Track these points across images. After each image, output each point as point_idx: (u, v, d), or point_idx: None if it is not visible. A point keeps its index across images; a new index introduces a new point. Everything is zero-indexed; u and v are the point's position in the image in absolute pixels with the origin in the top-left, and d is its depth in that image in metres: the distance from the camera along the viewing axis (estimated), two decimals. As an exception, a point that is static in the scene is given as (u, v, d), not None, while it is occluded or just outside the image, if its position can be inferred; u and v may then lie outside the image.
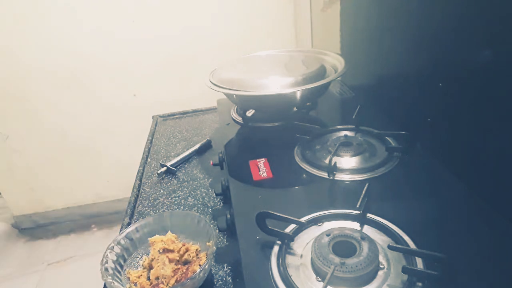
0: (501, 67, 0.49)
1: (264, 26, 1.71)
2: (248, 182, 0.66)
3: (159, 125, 1.13)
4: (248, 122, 0.88)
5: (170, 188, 0.81)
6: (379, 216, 0.53)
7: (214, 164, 0.79)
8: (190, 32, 1.67)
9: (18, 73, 1.64)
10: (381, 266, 0.46)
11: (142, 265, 0.58)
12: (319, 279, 0.45)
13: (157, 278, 0.54)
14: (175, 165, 0.89)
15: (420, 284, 0.42)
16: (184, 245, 0.58)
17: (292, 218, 0.52)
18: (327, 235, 0.48)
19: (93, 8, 1.57)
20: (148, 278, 0.55)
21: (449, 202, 0.55)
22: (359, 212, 0.53)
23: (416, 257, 0.45)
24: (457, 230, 0.50)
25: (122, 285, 0.52)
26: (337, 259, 0.44)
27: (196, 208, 0.73)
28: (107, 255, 0.55)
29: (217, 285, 0.56)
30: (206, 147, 0.95)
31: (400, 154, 0.68)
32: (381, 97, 0.88)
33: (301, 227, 0.53)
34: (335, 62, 0.88)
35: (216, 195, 0.71)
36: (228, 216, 0.61)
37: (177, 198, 0.77)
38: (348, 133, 0.77)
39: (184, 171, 0.87)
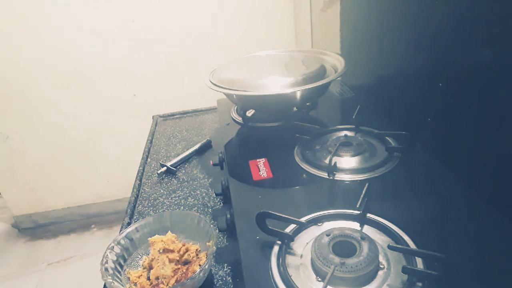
0: (501, 67, 0.49)
1: (264, 26, 1.71)
2: (248, 182, 0.66)
3: (159, 125, 1.13)
4: (248, 122, 0.88)
5: (170, 188, 0.81)
6: (379, 216, 0.53)
7: (214, 164, 0.79)
8: (190, 32, 1.67)
9: (18, 73, 1.65)
10: (381, 266, 0.46)
11: (142, 265, 0.58)
12: (319, 279, 0.45)
13: (157, 278, 0.54)
14: (175, 165, 0.89)
15: (420, 284, 0.42)
16: (184, 245, 0.58)
17: (292, 218, 0.52)
18: (327, 235, 0.48)
19: (93, 8, 1.57)
20: (148, 278, 0.55)
21: (449, 202, 0.55)
22: (359, 212, 0.53)
23: (416, 257, 0.45)
24: (457, 230, 0.50)
25: (122, 285, 0.52)
26: (337, 259, 0.44)
27: (196, 208, 0.73)
28: (107, 255, 0.55)
29: (217, 285, 0.56)
30: (206, 147, 0.95)
31: (400, 154, 0.68)
32: (381, 97, 0.88)
33: (301, 227, 0.53)
34: (335, 62, 0.88)
35: (216, 195, 0.71)
36: (228, 216, 0.61)
37: (177, 198, 0.77)
38: (348, 133, 0.77)
39: (184, 171, 0.87)
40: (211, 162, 0.83)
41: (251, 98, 0.81)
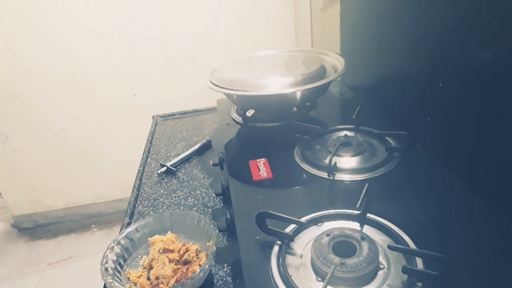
0: (501, 67, 0.49)
1: (264, 26, 1.71)
2: (248, 182, 0.66)
3: (159, 125, 1.13)
4: (248, 122, 0.88)
5: (170, 188, 0.81)
6: (379, 216, 0.53)
7: (214, 164, 0.79)
8: (190, 32, 1.67)
9: (18, 73, 1.64)
10: (381, 266, 0.46)
11: (142, 265, 0.58)
12: (319, 279, 0.45)
13: (157, 278, 0.54)
14: (175, 165, 0.89)
15: (420, 284, 0.42)
16: (184, 245, 0.58)
17: (292, 218, 0.52)
18: (327, 235, 0.48)
19: (93, 8, 1.56)
20: (148, 278, 0.55)
21: (449, 202, 0.55)
22: (359, 212, 0.53)
23: (416, 257, 0.45)
24: (457, 230, 0.50)
25: (122, 285, 0.52)
26: (337, 259, 0.44)
27: (196, 208, 0.73)
28: (107, 255, 0.55)
29: (217, 285, 0.56)
30: (206, 147, 0.95)
31: (400, 154, 0.68)
32: (381, 97, 0.88)
33: (301, 227, 0.53)
34: (335, 62, 0.88)
35: (216, 195, 0.71)
36: (228, 216, 0.61)
37: (177, 198, 0.77)
38: (348, 133, 0.77)
39: (184, 171, 0.87)
40: (211, 162, 0.83)
41: (251, 98, 0.81)
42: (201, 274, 0.51)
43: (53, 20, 1.56)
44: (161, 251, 0.57)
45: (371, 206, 0.54)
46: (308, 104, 0.90)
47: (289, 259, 0.49)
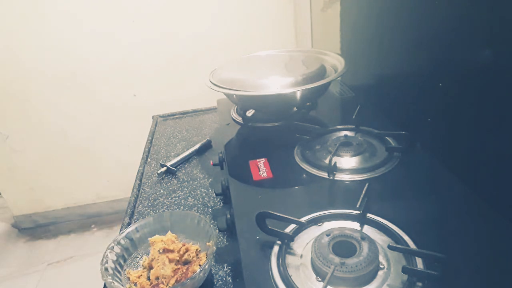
0: (501, 67, 0.49)
1: (264, 26, 1.71)
2: (248, 182, 0.66)
3: (159, 125, 1.13)
4: (248, 122, 0.88)
5: (170, 188, 0.81)
6: (379, 216, 0.53)
7: (214, 164, 0.79)
8: (190, 32, 1.67)
9: (18, 73, 1.64)
10: (381, 266, 0.46)
11: (142, 265, 0.58)
12: (319, 279, 0.45)
13: (157, 278, 0.54)
14: (175, 165, 0.89)
15: (420, 284, 0.42)
16: (184, 245, 0.58)
17: (292, 218, 0.52)
18: (327, 235, 0.48)
19: (93, 8, 1.56)
20: (148, 278, 0.55)
21: (449, 202, 0.55)
22: (359, 212, 0.53)
23: (416, 257, 0.45)
24: (457, 230, 0.50)
25: (122, 285, 0.52)
26: (337, 259, 0.44)
27: (196, 208, 0.73)
28: (107, 255, 0.55)
29: (217, 285, 0.56)
30: (206, 147, 0.95)
31: (400, 154, 0.68)
32: (381, 97, 0.88)
33: (301, 227, 0.53)
34: (335, 62, 0.88)
35: (216, 195, 0.71)
36: (228, 216, 0.61)
37: (177, 198, 0.77)
38: (348, 133, 0.77)
39: (184, 171, 0.87)
40: (211, 162, 0.83)
41: (251, 98, 0.81)
42: (201, 274, 0.51)
43: (53, 20, 1.56)
44: (161, 251, 0.57)
45: (371, 206, 0.54)
46: (308, 104, 0.90)
47: (289, 259, 0.49)
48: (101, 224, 2.03)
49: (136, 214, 0.74)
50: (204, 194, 0.77)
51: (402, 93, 0.77)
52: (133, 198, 0.79)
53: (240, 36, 1.71)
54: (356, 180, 0.63)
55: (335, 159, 0.66)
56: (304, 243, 0.51)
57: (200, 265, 0.54)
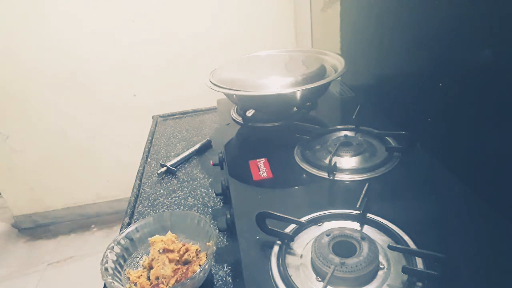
0: (501, 67, 0.49)
1: (264, 26, 1.71)
2: (248, 182, 0.66)
3: (159, 125, 1.13)
4: (248, 122, 0.88)
5: (170, 188, 0.81)
6: (379, 216, 0.53)
7: (214, 164, 0.79)
8: (190, 32, 1.67)
9: (18, 73, 1.64)
10: (381, 266, 0.46)
11: (142, 265, 0.58)
12: (319, 279, 0.45)
13: (157, 278, 0.54)
14: (175, 165, 0.89)
15: (420, 284, 0.42)
16: (184, 245, 0.58)
17: (292, 218, 0.52)
18: (327, 235, 0.48)
19: (93, 8, 1.56)
20: (148, 278, 0.55)
21: (449, 202, 0.55)
22: (359, 212, 0.53)
23: (416, 257, 0.45)
24: (457, 230, 0.50)
25: (122, 285, 0.52)
26: (337, 259, 0.44)
27: (196, 208, 0.73)
28: (107, 255, 0.55)
29: (217, 285, 0.56)
30: (206, 147, 0.95)
31: (400, 154, 0.68)
32: (381, 97, 0.88)
33: (301, 227, 0.53)
34: (335, 62, 0.88)
35: (216, 195, 0.71)
36: (228, 216, 0.61)
37: (177, 198, 0.77)
38: (348, 133, 0.77)
39: (184, 171, 0.87)
40: (211, 162, 0.83)
41: (251, 98, 0.81)
42: (201, 274, 0.51)
43: (53, 20, 1.56)
44: (161, 251, 0.57)
45: (371, 206, 0.54)
46: (308, 104, 0.90)
47: (289, 259, 0.49)
48: (101, 224, 2.03)
49: (136, 214, 0.74)
50: (204, 194, 0.77)
51: (402, 93, 0.77)
52: (133, 198, 0.79)
53: (240, 36, 1.70)
54: (356, 180, 0.63)
55: (335, 159, 0.66)
56: (304, 243, 0.51)
57: (200, 265, 0.54)
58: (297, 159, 0.71)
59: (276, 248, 0.49)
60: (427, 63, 0.67)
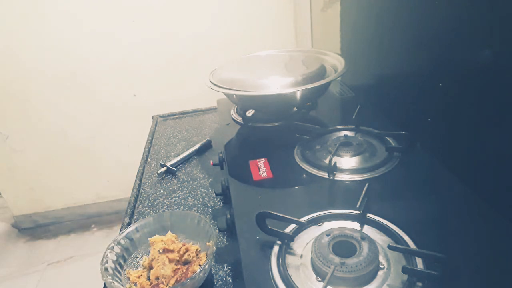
0: (501, 67, 0.49)
1: (264, 26, 1.71)
2: (248, 182, 0.66)
3: (159, 125, 1.13)
4: (248, 122, 0.88)
5: (170, 188, 0.81)
6: (379, 216, 0.53)
7: (214, 164, 0.79)
8: (190, 32, 1.67)
9: (18, 73, 1.64)
10: (381, 266, 0.46)
11: (142, 265, 0.58)
12: (319, 279, 0.45)
13: (157, 278, 0.54)
14: (175, 165, 0.89)
15: (420, 284, 0.42)
16: (184, 245, 0.58)
17: (292, 218, 0.52)
18: (327, 235, 0.48)
19: (93, 8, 1.56)
20: (148, 278, 0.55)
21: (449, 202, 0.55)
22: (359, 212, 0.53)
23: (416, 257, 0.45)
24: (457, 230, 0.50)
25: (122, 285, 0.52)
26: (337, 259, 0.44)
27: (196, 208, 0.73)
28: (107, 255, 0.55)
29: (217, 285, 0.56)
30: (206, 147, 0.95)
31: (400, 154, 0.68)
32: (381, 97, 0.88)
33: (301, 227, 0.53)
34: (335, 62, 0.88)
35: (216, 195, 0.71)
36: (228, 216, 0.61)
37: (177, 198, 0.77)
38: (348, 133, 0.77)
39: (184, 171, 0.87)
40: (211, 162, 0.83)
41: (251, 98, 0.81)
42: (201, 274, 0.51)
43: (53, 20, 1.56)
44: (161, 251, 0.57)
45: (371, 206, 0.54)
46: (308, 104, 0.90)
47: (289, 259, 0.49)
48: (101, 224, 2.03)
49: (136, 214, 0.74)
50: (204, 194, 0.77)
51: (402, 93, 0.77)
52: (133, 198, 0.79)
53: (240, 36, 1.70)
54: (356, 180, 0.63)
55: (335, 159, 0.66)
56: (304, 243, 0.51)
57: (200, 265, 0.54)
58: (297, 159, 0.71)
59: (276, 248, 0.49)
60: (427, 63, 0.67)
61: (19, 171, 1.87)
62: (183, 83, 1.76)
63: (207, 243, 0.56)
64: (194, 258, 0.56)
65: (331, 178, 0.64)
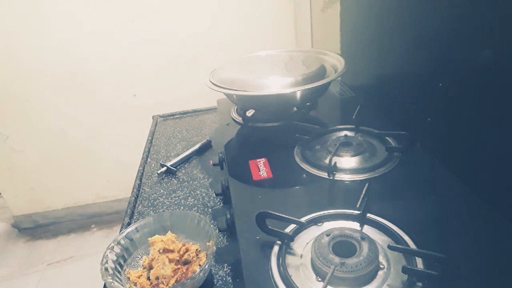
0: (501, 67, 0.49)
1: (264, 26, 1.71)
2: (248, 182, 0.66)
3: (159, 125, 1.13)
4: (248, 122, 0.88)
5: (170, 188, 0.81)
6: (379, 216, 0.53)
7: (214, 164, 0.79)
8: (190, 32, 1.67)
9: (18, 73, 1.64)
10: (381, 266, 0.46)
11: (142, 265, 0.58)
12: (319, 279, 0.45)
13: (157, 278, 0.54)
14: (175, 165, 0.89)
15: (420, 284, 0.42)
16: (184, 245, 0.58)
17: (292, 218, 0.52)
18: (327, 235, 0.48)
19: (93, 8, 1.56)
20: (148, 278, 0.55)
21: (449, 202, 0.55)
22: (359, 212, 0.53)
23: (416, 257, 0.45)
24: (457, 230, 0.50)
25: (122, 285, 0.52)
26: (337, 259, 0.44)
27: (196, 208, 0.73)
28: (107, 255, 0.55)
29: (217, 285, 0.56)
30: (206, 147, 0.95)
31: (400, 154, 0.68)
32: (381, 97, 0.88)
33: (301, 227, 0.53)
34: (335, 62, 0.88)
35: (216, 195, 0.71)
36: (228, 216, 0.61)
37: (177, 198, 0.77)
38: (348, 133, 0.77)
39: (184, 171, 0.87)
40: (211, 162, 0.83)
41: (251, 98, 0.81)
42: (201, 274, 0.51)
43: (53, 20, 1.56)
44: (161, 251, 0.57)
45: (371, 206, 0.54)
46: (308, 104, 0.90)
47: (289, 259, 0.48)
48: (101, 224, 2.03)
49: (136, 214, 0.74)
50: (204, 194, 0.77)
51: (402, 93, 0.77)
52: (133, 198, 0.79)
53: (240, 36, 1.70)
54: (356, 180, 0.63)
55: (335, 159, 0.66)
56: (304, 243, 0.51)
57: (200, 265, 0.54)
58: (297, 159, 0.71)
59: (276, 248, 0.49)
60: (427, 63, 0.67)
61: (19, 171, 1.87)
62: (183, 83, 1.76)
63: (207, 243, 0.56)
64: (194, 258, 0.56)
65: (331, 178, 0.64)
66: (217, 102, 1.06)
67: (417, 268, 0.43)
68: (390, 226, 0.51)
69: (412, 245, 0.47)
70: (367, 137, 0.75)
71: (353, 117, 0.80)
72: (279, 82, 0.78)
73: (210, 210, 0.73)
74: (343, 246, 0.47)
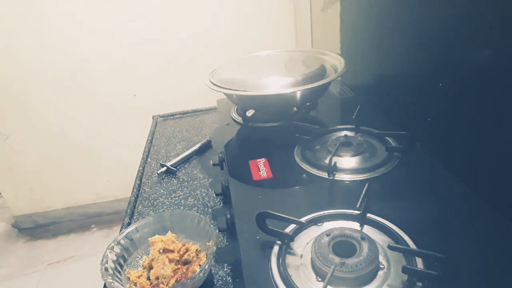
0: (501, 67, 0.49)
1: (264, 26, 1.71)
2: (248, 182, 0.66)
3: (159, 125, 1.13)
4: (248, 122, 0.88)
5: (170, 188, 0.81)
6: (379, 216, 0.53)
7: (214, 164, 0.79)
8: (190, 32, 1.67)
9: (18, 73, 1.64)
10: (381, 266, 0.46)
11: (142, 265, 0.58)
12: (319, 279, 0.45)
13: (157, 278, 0.54)
14: (175, 165, 0.89)
15: (420, 284, 0.42)
16: (184, 245, 0.58)
17: (292, 218, 0.52)
18: (327, 235, 0.48)
19: (93, 8, 1.57)
20: (148, 278, 0.55)
21: (449, 202, 0.55)
22: (359, 212, 0.53)
23: (416, 257, 0.45)
24: (457, 230, 0.50)
25: (122, 285, 0.52)
26: (337, 259, 0.44)
27: (196, 208, 0.73)
28: (107, 255, 0.55)
29: (217, 285, 0.56)
30: (206, 147, 0.95)
31: (400, 154, 0.68)
32: (381, 97, 0.88)
33: (301, 227, 0.53)
34: (335, 62, 0.88)
35: (216, 195, 0.71)
36: (228, 216, 0.61)
37: (177, 198, 0.77)
38: (348, 133, 0.77)
39: (184, 171, 0.87)
40: (211, 162, 0.83)
41: (251, 98, 0.81)
42: (201, 274, 0.51)
43: (53, 20, 1.56)
44: (161, 251, 0.57)
45: (371, 206, 0.54)
46: (308, 104, 0.90)
47: (289, 259, 0.49)
48: (101, 224, 2.03)
49: (136, 214, 0.74)
50: (204, 194, 0.77)
51: (402, 93, 0.77)
52: (133, 198, 0.79)
53: (240, 36, 1.71)
54: (356, 180, 0.63)
55: (335, 159, 0.66)
56: (304, 243, 0.51)
57: (200, 265, 0.54)
58: (297, 159, 0.71)
59: (276, 248, 0.49)
60: (427, 63, 0.67)
61: (19, 171, 1.87)
62: (183, 83, 1.76)
63: (207, 243, 0.56)
64: (194, 258, 0.56)
65: (331, 178, 0.64)
66: (217, 102, 1.06)
67: (417, 268, 0.43)
68: (390, 226, 0.51)
69: (412, 245, 0.47)
70: (367, 137, 0.75)
71: (353, 117, 0.80)
72: (279, 82, 0.78)
73: (210, 210, 0.73)
74: (343, 246, 0.47)
